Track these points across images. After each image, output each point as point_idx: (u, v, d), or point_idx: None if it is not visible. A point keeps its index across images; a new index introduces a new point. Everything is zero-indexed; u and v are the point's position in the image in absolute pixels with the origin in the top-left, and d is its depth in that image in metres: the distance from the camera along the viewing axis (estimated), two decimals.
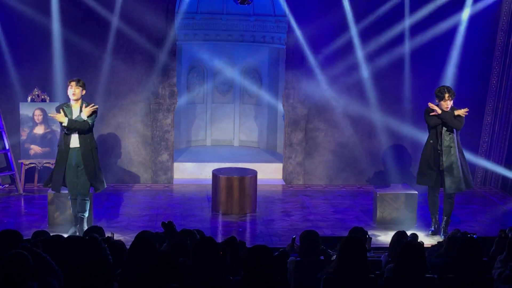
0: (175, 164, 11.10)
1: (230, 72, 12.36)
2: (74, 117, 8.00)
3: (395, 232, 6.26)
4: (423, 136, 10.86)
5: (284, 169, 11.18)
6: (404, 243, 5.24)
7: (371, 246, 6.68)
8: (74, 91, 8.03)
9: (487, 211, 9.77)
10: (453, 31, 10.67)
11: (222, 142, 12.67)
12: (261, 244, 4.91)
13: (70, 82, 8.15)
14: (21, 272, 4.27)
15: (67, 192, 8.17)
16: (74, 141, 8.00)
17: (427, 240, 8.02)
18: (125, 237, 7.80)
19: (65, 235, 6.12)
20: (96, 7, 10.40)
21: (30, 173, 10.44)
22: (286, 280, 5.30)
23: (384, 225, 8.82)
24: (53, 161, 10.19)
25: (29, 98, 10.32)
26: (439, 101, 8.25)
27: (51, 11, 10.30)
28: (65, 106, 8.08)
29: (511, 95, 10.68)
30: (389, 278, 4.95)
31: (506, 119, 10.79)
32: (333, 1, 10.58)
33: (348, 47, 10.73)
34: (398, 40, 10.71)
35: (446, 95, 8.19)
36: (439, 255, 5.93)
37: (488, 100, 10.90)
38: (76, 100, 8.04)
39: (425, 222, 9.12)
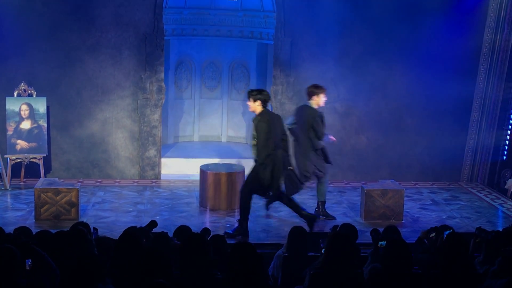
0: (163, 160, 11.08)
1: (218, 67, 12.36)
2: None
3: (385, 227, 6.27)
4: (409, 132, 10.97)
5: None
6: (388, 240, 5.26)
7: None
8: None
9: (474, 207, 9.82)
10: (440, 27, 10.72)
11: (210, 137, 12.65)
12: (249, 240, 4.91)
13: (323, 90, 8.69)
14: (8, 267, 4.25)
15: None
16: None
17: None
18: (112, 233, 7.76)
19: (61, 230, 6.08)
20: (83, 1, 10.37)
21: (16, 168, 10.38)
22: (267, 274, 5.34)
23: (371, 221, 8.85)
24: (40, 156, 10.22)
25: (15, 93, 10.26)
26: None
27: (37, 5, 10.26)
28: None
29: (498, 92, 10.74)
30: (375, 274, 4.97)
31: (493, 116, 10.85)
32: None
33: (335, 43, 10.75)
34: (386, 37, 10.74)
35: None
36: (424, 250, 5.96)
37: (475, 97, 10.95)
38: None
39: (413, 217, 9.18)
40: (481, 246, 5.69)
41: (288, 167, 8.30)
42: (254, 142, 8.19)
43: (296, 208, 8.45)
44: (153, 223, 6.37)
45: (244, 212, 8.22)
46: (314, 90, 8.72)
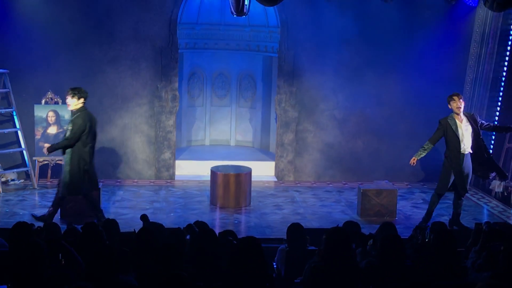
0: (177, 162, 11.09)
1: (227, 78, 12.38)
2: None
3: (382, 223, 6.23)
4: (402, 137, 10.93)
5: (276, 166, 11.18)
6: (384, 236, 5.25)
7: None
8: None
9: None
10: (431, 41, 10.71)
11: (220, 142, 12.67)
12: (255, 235, 4.91)
13: (452, 96, 8.05)
14: (34, 260, 4.26)
15: None
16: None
17: None
18: (131, 229, 7.76)
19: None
20: (105, 17, 10.41)
21: (43, 170, 10.42)
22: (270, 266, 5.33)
23: (367, 218, 8.84)
24: None
25: (43, 101, 10.31)
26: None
27: (63, 21, 10.30)
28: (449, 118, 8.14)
29: (483, 100, 10.70)
30: (370, 267, 4.96)
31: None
32: (320, 14, 10.59)
33: (334, 56, 10.75)
34: (381, 50, 10.73)
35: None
36: (410, 246, 5.94)
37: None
38: None
39: (405, 215, 9.16)
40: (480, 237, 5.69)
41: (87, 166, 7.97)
42: (65, 139, 7.87)
43: (93, 204, 8.17)
44: (144, 216, 6.37)
45: (58, 205, 8.10)
46: (447, 99, 8.21)
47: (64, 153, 8.00)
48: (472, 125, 8.22)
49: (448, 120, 8.26)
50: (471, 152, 8.26)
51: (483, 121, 8.47)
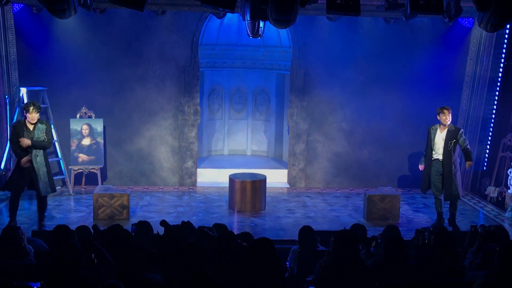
0: (198, 170, 11.12)
1: (244, 93, 12.42)
2: None
3: (386, 226, 6.20)
4: (404, 147, 10.89)
5: (288, 174, 11.17)
6: (388, 237, 5.21)
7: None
8: None
9: (459, 210, 9.63)
10: (430, 60, 10.67)
11: (237, 151, 12.68)
12: (269, 236, 4.90)
13: (440, 108, 8.18)
14: (72, 259, 4.28)
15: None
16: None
17: None
18: (157, 231, 7.79)
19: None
20: (134, 40, 10.49)
21: (78, 177, 10.49)
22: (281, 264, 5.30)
23: (372, 221, 8.79)
24: (97, 167, 10.32)
25: (77, 115, 10.39)
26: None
27: (96, 43, 10.40)
28: None
29: (479, 113, 10.65)
30: (376, 265, 4.93)
31: (475, 133, 10.74)
32: (328, 35, 10.60)
33: (341, 73, 10.74)
34: (384, 68, 10.70)
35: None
36: (412, 247, 5.89)
37: (460, 117, 10.85)
38: None
39: (407, 219, 9.10)
40: (476, 238, 5.64)
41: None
42: (47, 142, 7.91)
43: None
44: (164, 222, 6.34)
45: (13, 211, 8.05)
46: (437, 110, 8.31)
47: (30, 154, 7.90)
48: (447, 138, 8.25)
49: (432, 128, 8.44)
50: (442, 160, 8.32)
51: (462, 141, 8.28)
